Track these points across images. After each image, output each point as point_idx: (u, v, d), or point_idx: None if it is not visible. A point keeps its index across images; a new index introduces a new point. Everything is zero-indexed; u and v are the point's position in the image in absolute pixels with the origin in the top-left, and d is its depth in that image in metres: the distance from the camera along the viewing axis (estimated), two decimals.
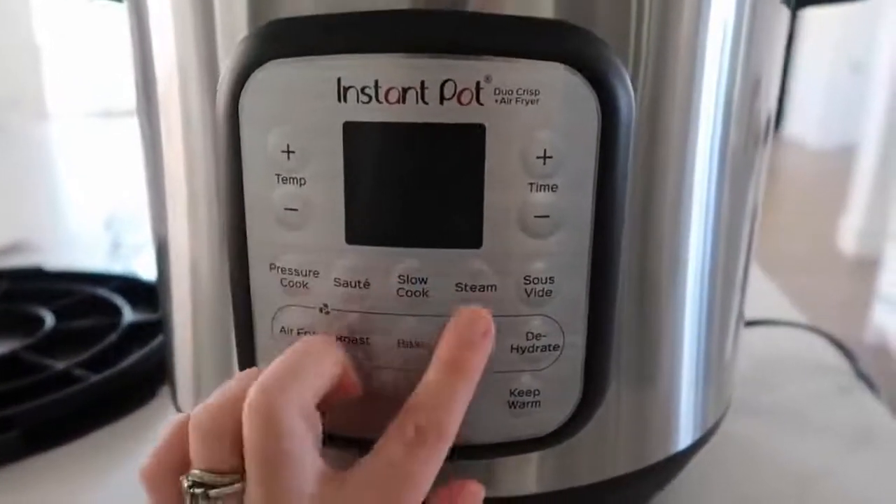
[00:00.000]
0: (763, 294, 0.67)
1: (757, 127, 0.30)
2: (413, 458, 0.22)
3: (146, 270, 0.65)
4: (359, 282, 0.24)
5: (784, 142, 5.47)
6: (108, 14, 0.33)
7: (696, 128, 0.26)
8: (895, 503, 0.37)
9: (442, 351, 0.23)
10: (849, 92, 4.76)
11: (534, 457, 0.27)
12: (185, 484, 0.22)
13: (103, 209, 1.01)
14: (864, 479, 0.39)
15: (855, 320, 2.32)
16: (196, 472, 0.22)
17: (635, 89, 0.24)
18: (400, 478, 0.22)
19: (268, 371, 0.22)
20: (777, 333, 0.56)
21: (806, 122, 5.30)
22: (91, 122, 2.27)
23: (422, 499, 0.22)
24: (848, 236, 3.05)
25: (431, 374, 0.23)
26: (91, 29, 2.66)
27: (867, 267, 2.59)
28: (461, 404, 0.23)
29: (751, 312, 0.54)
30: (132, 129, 0.32)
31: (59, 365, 0.46)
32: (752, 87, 0.28)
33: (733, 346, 0.34)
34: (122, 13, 0.31)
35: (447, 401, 0.23)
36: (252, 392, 0.22)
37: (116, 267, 0.72)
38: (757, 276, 0.71)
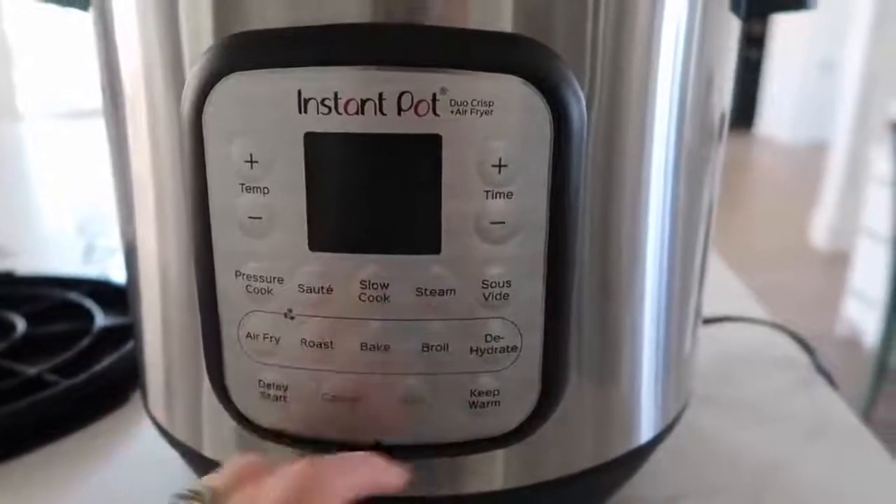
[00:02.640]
0: (731, 291, 0.68)
1: (710, 127, 0.31)
2: None
3: (120, 274, 0.64)
4: (322, 287, 0.25)
5: (757, 139, 5.55)
6: (79, 16, 0.33)
7: (651, 131, 0.27)
8: (847, 491, 0.39)
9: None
10: (820, 90, 4.85)
11: (499, 454, 0.28)
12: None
13: (76, 212, 1.00)
14: (818, 469, 0.40)
15: (827, 314, 2.36)
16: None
17: (591, 97, 0.25)
18: None
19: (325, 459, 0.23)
20: (742, 330, 0.57)
21: (778, 120, 5.39)
22: (62, 123, 2.24)
23: None
24: (820, 231, 3.10)
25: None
26: (62, 30, 2.62)
27: (838, 261, 2.64)
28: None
29: (719, 309, 0.55)
30: (104, 131, 0.32)
31: (31, 370, 0.46)
32: (705, 91, 0.29)
33: (692, 340, 0.35)
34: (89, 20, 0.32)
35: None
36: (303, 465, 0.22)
37: (90, 270, 0.71)
38: (725, 273, 0.72)
